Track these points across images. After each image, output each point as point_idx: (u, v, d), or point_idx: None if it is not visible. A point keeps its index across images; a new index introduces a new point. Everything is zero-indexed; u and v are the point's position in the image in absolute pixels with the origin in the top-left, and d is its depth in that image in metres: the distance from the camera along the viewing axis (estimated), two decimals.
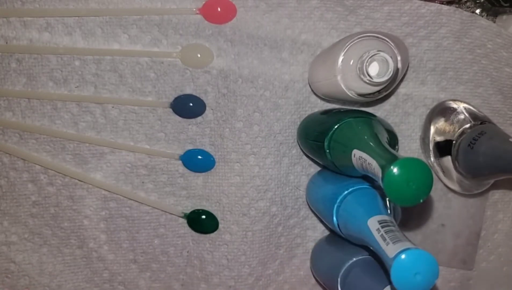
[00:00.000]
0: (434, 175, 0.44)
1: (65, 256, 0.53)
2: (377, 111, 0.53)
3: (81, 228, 0.52)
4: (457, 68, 0.53)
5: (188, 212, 0.53)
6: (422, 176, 0.34)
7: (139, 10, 0.49)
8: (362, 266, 0.43)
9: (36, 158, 0.51)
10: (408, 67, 0.51)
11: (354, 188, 0.43)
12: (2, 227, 0.52)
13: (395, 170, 0.33)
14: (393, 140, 0.47)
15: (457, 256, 0.56)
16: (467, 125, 0.49)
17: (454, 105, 0.51)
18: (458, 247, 0.55)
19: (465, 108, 0.51)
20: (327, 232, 0.54)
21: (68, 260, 0.53)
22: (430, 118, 0.52)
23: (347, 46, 0.42)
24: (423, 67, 0.53)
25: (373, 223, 0.37)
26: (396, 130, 0.50)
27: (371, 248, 0.37)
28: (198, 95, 0.51)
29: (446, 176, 0.52)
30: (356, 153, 0.38)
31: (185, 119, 0.51)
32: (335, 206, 0.43)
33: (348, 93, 0.43)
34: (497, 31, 0.52)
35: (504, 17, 0.55)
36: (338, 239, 0.47)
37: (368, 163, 0.36)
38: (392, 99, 0.53)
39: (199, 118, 0.51)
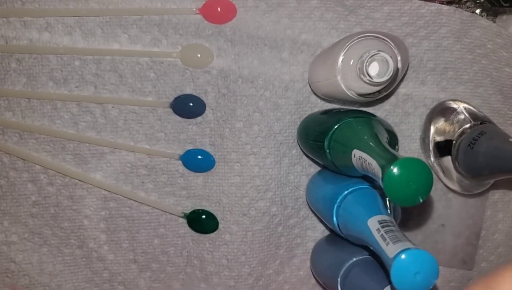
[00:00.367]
0: (434, 175, 0.44)
1: (65, 256, 0.53)
2: (377, 111, 0.53)
3: (81, 228, 0.52)
4: (457, 68, 0.53)
5: (188, 212, 0.53)
6: (422, 176, 0.34)
7: (139, 10, 0.49)
8: (362, 266, 0.43)
9: (36, 158, 0.51)
10: (408, 67, 0.51)
11: (354, 188, 0.43)
12: (2, 227, 0.52)
13: (395, 170, 0.33)
14: (393, 140, 0.47)
15: (457, 256, 0.56)
16: (467, 125, 0.49)
17: (454, 105, 0.51)
18: (458, 247, 0.55)
19: (465, 108, 0.51)
20: (327, 232, 0.54)
21: (68, 260, 0.53)
22: (430, 118, 0.52)
23: (347, 46, 0.42)
24: (423, 67, 0.53)
25: (373, 223, 0.37)
26: (396, 130, 0.50)
27: (371, 248, 0.37)
28: (198, 95, 0.51)
29: (446, 176, 0.52)
30: (356, 153, 0.38)
31: (185, 119, 0.51)
32: (335, 206, 0.43)
33: (348, 93, 0.43)
34: (497, 31, 0.52)
35: (504, 17, 0.55)
36: (338, 239, 0.47)
37: (368, 163, 0.36)
38: (392, 99, 0.53)
39: (199, 118, 0.51)
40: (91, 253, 0.53)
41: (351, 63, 0.41)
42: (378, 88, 0.42)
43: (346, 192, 0.43)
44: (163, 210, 0.53)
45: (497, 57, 0.53)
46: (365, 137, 0.39)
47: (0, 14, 0.48)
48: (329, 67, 0.44)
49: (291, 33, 0.51)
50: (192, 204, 0.53)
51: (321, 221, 0.54)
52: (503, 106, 0.54)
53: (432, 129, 0.52)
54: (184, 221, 0.53)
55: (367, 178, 0.44)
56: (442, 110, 0.52)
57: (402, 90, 0.53)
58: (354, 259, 0.43)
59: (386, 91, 0.44)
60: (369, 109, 0.53)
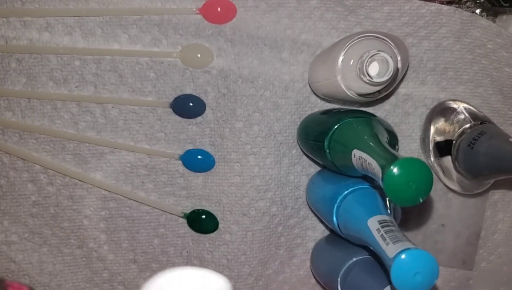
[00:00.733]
0: (434, 175, 0.44)
1: (65, 256, 0.53)
2: (377, 111, 0.53)
3: (81, 228, 0.52)
4: (457, 68, 0.53)
5: (188, 212, 0.53)
6: (422, 176, 0.34)
7: (139, 10, 0.49)
8: (362, 266, 0.43)
9: (36, 158, 0.51)
10: (408, 67, 0.51)
11: (354, 188, 0.43)
12: (2, 227, 0.52)
13: (395, 170, 0.33)
14: (393, 140, 0.47)
15: (457, 256, 0.56)
16: (467, 125, 0.49)
17: (454, 105, 0.51)
18: (458, 247, 0.55)
19: (465, 108, 0.51)
20: (327, 232, 0.54)
21: (68, 260, 0.53)
22: (430, 118, 0.52)
23: (347, 46, 0.42)
24: (423, 67, 0.53)
25: (373, 223, 0.37)
26: (396, 130, 0.50)
27: (371, 248, 0.37)
28: (198, 95, 0.51)
29: (446, 176, 0.52)
30: (356, 153, 0.38)
31: (185, 119, 0.51)
32: (335, 206, 0.43)
33: (348, 93, 0.43)
34: (497, 31, 0.52)
35: (504, 17, 0.55)
36: (338, 239, 0.47)
37: (368, 163, 0.36)
38: (392, 99, 0.53)
39: (199, 118, 0.51)
40: (91, 253, 0.53)
41: (351, 63, 0.41)
42: (378, 88, 0.42)
43: (346, 192, 0.43)
44: (163, 210, 0.53)
45: (497, 57, 0.53)
46: (365, 137, 0.39)
47: (0, 14, 0.48)
48: (329, 67, 0.44)
49: (291, 33, 0.51)
50: (192, 204, 0.53)
51: (321, 221, 0.54)
52: (503, 106, 0.54)
53: (432, 129, 0.52)
54: (184, 221, 0.53)
55: (367, 178, 0.44)
56: (442, 110, 0.52)
57: (402, 90, 0.53)
58: (354, 259, 0.43)
59: (386, 91, 0.44)
60: (369, 109, 0.53)
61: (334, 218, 0.43)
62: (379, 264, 0.41)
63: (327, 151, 0.44)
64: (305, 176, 0.53)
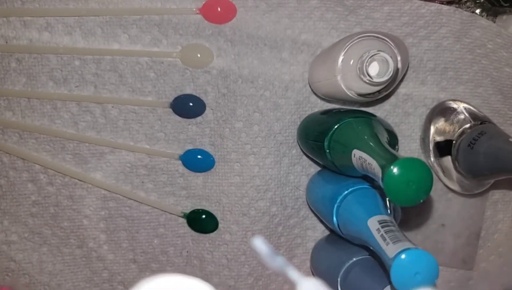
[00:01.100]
0: (434, 175, 0.44)
1: (64, 255, 0.53)
2: (377, 111, 0.53)
3: (80, 227, 0.52)
4: (457, 68, 0.53)
5: (187, 212, 0.53)
6: (422, 176, 0.34)
7: (139, 10, 0.49)
8: (362, 266, 0.43)
9: (36, 157, 0.51)
10: (408, 67, 0.51)
11: (354, 188, 0.43)
12: (2, 226, 0.52)
13: (395, 170, 0.33)
14: (393, 140, 0.47)
15: (457, 256, 0.56)
16: (467, 125, 0.49)
17: (454, 105, 0.51)
18: (458, 247, 0.55)
19: (465, 108, 0.51)
20: (327, 232, 0.54)
21: (67, 259, 0.53)
22: (430, 118, 0.52)
23: (347, 46, 0.42)
24: (423, 67, 0.53)
25: (373, 223, 0.37)
26: (396, 130, 0.50)
27: (371, 248, 0.37)
28: (198, 95, 0.51)
29: (446, 176, 0.52)
30: (356, 153, 0.38)
31: (185, 119, 0.51)
32: (335, 206, 0.43)
33: (348, 93, 0.43)
34: (497, 31, 0.52)
35: (504, 17, 0.55)
36: (338, 239, 0.47)
37: (368, 163, 0.36)
38: (392, 99, 0.53)
39: (199, 118, 0.51)
40: (90, 253, 0.53)
41: (351, 63, 0.41)
42: (378, 88, 0.42)
43: (346, 192, 0.43)
44: (163, 210, 0.53)
45: (497, 57, 0.53)
46: (365, 137, 0.39)
47: (0, 13, 0.48)
48: (329, 67, 0.44)
49: (291, 33, 0.51)
50: (192, 204, 0.53)
51: (321, 221, 0.54)
52: (503, 106, 0.54)
53: (432, 129, 0.52)
54: (184, 221, 0.53)
55: (367, 178, 0.44)
56: (442, 110, 0.51)
57: (402, 90, 0.53)
58: (354, 259, 0.43)
59: (386, 91, 0.44)
60: (369, 109, 0.53)
61: (334, 218, 0.43)
62: (379, 264, 0.41)
63: (327, 151, 0.44)
64: (305, 176, 0.53)
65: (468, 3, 0.55)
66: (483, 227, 0.56)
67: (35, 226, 0.52)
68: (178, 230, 0.53)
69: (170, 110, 0.51)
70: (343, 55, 0.42)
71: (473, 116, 0.50)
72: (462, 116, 0.50)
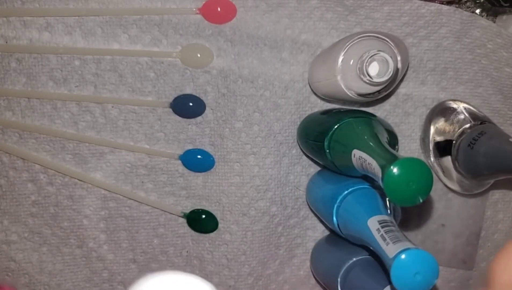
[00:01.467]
0: (434, 175, 0.44)
1: (64, 255, 0.53)
2: (377, 111, 0.53)
3: (80, 227, 0.52)
4: (457, 68, 0.53)
5: (187, 212, 0.53)
6: (422, 176, 0.34)
7: (139, 10, 0.49)
8: (362, 266, 0.43)
9: (36, 157, 0.51)
10: (408, 67, 0.51)
11: (354, 188, 0.43)
12: (2, 226, 0.52)
13: (395, 170, 0.33)
14: (393, 140, 0.47)
15: (457, 256, 0.56)
16: (467, 125, 0.49)
17: (454, 105, 0.51)
18: (458, 247, 0.55)
19: (465, 108, 0.51)
20: (327, 232, 0.54)
21: (67, 259, 0.53)
22: (430, 118, 0.52)
23: (347, 46, 0.42)
24: (423, 67, 0.53)
25: (373, 223, 0.37)
26: (396, 130, 0.50)
27: (371, 248, 0.37)
28: (198, 95, 0.51)
29: (446, 176, 0.52)
30: (356, 153, 0.38)
31: (185, 119, 0.51)
32: (335, 206, 0.43)
33: (348, 93, 0.43)
34: (497, 31, 0.52)
35: (504, 17, 0.55)
36: (338, 239, 0.47)
37: (368, 163, 0.36)
38: (392, 99, 0.53)
39: (199, 118, 0.51)
40: (90, 253, 0.53)
41: (351, 63, 0.41)
42: (378, 88, 0.42)
43: (346, 192, 0.43)
44: (162, 210, 0.53)
45: (497, 57, 0.53)
46: (365, 137, 0.39)
47: (0, 13, 0.48)
48: (329, 67, 0.44)
49: (291, 33, 0.51)
50: (192, 204, 0.53)
51: (321, 221, 0.54)
52: (503, 106, 0.54)
53: (432, 129, 0.52)
54: (183, 221, 0.53)
55: (367, 178, 0.44)
56: (442, 110, 0.51)
57: (402, 90, 0.53)
58: (354, 259, 0.43)
59: (386, 91, 0.44)
60: (369, 109, 0.53)
61: (334, 218, 0.43)
62: (379, 264, 0.41)
63: (327, 151, 0.44)
64: (305, 176, 0.53)
65: (468, 3, 0.55)
66: (483, 227, 0.56)
67: (35, 226, 0.52)
68: (178, 230, 0.53)
69: (170, 110, 0.51)
70: (343, 55, 0.42)
71: (473, 116, 0.50)
72: (462, 116, 0.50)
